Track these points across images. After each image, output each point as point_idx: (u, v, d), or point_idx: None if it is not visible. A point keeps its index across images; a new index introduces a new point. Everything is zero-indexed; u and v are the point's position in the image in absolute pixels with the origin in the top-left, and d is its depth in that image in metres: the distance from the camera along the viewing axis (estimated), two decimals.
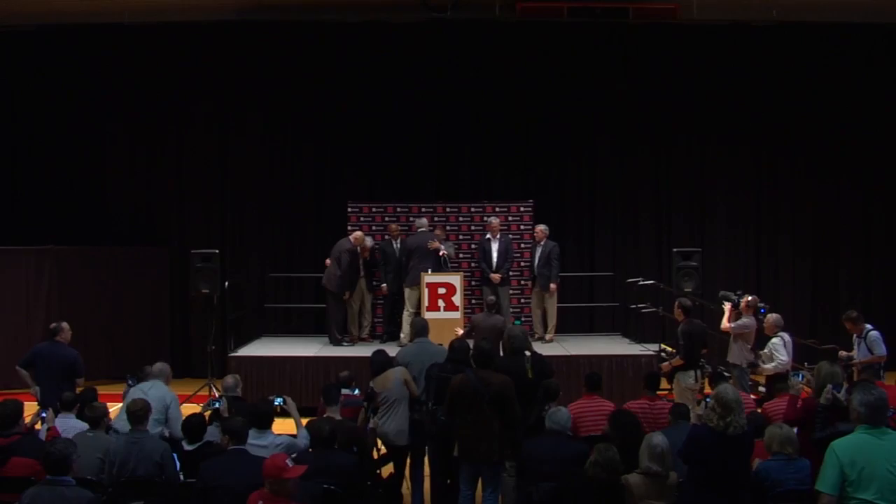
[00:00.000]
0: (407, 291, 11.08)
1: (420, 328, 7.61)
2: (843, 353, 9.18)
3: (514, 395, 6.17)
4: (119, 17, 12.66)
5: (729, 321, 9.47)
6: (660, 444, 5.20)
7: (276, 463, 4.72)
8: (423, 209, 12.40)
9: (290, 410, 6.64)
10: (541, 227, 11.67)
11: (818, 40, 13.32)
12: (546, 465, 5.75)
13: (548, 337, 11.53)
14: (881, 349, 8.65)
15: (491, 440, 6.10)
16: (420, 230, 11.26)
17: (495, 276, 11.46)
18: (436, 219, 12.35)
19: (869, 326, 8.86)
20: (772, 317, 9.17)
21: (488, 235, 11.66)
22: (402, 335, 11.02)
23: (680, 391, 8.73)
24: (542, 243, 11.57)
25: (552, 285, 11.44)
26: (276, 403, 6.66)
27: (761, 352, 9.15)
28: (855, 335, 9.04)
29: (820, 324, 12.96)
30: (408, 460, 7.08)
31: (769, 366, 8.91)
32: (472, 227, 12.34)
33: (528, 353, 7.07)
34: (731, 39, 13.34)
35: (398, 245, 11.60)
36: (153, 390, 6.94)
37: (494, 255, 11.53)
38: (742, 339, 9.42)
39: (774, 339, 8.94)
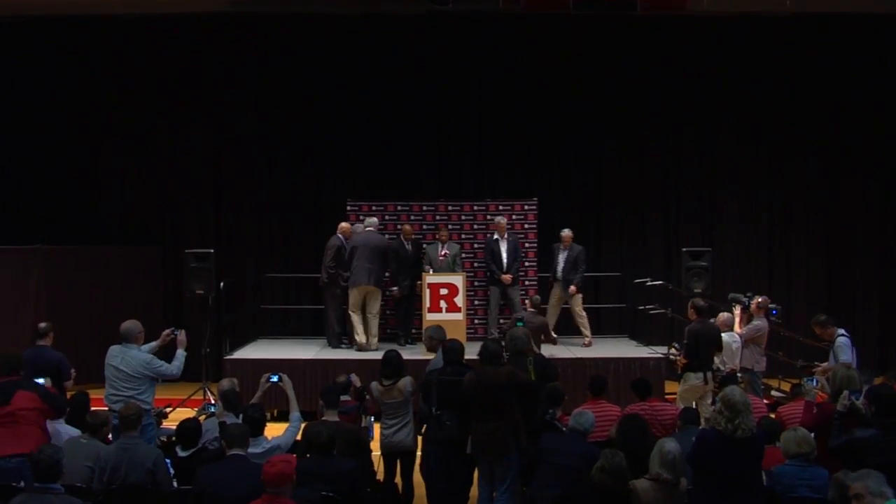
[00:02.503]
0: (351, 293, 10.97)
1: (440, 336, 7.63)
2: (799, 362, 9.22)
3: (525, 378, 6.49)
4: (110, 8, 12.63)
5: (740, 325, 9.46)
6: (672, 451, 5.20)
7: (271, 461, 4.90)
8: (425, 207, 12.39)
9: (285, 388, 6.75)
10: (567, 232, 11.49)
11: (833, 32, 13.24)
12: (559, 455, 5.90)
13: (586, 341, 11.43)
14: (845, 356, 8.38)
15: (506, 432, 6.30)
16: (367, 229, 11.16)
17: (507, 277, 11.39)
18: (437, 217, 12.33)
19: (840, 331, 8.64)
20: (723, 315, 9.30)
21: (496, 235, 11.60)
22: (374, 339, 10.97)
23: (682, 390, 8.79)
24: (568, 247, 11.45)
25: (572, 287, 11.32)
26: (273, 381, 6.78)
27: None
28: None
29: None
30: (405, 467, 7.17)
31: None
32: (475, 226, 12.31)
33: (530, 356, 7.15)
34: (743, 31, 13.28)
35: (410, 246, 11.59)
36: (124, 363, 7.02)
37: (504, 255, 11.48)
38: (754, 342, 9.43)
39: (723, 335, 9.08)
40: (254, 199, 13.58)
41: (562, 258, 11.46)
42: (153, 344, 7.47)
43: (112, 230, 13.24)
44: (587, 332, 11.50)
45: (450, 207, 12.43)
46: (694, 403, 8.51)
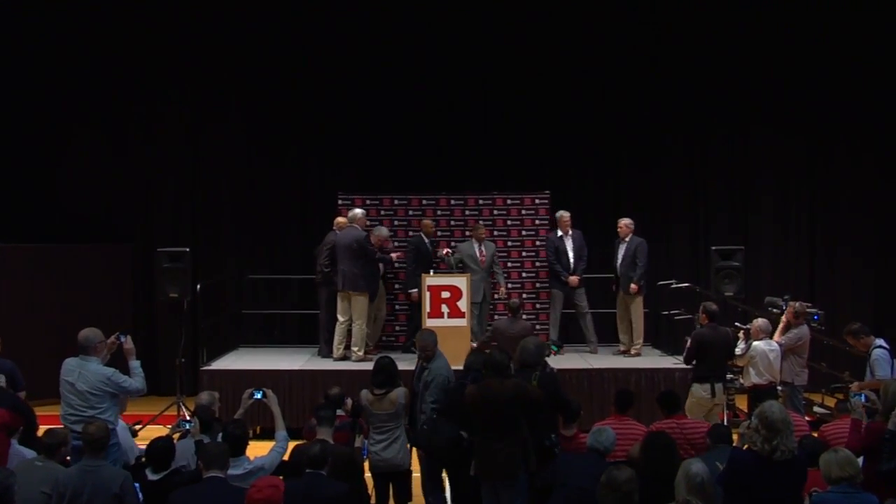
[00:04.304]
0: (338, 297, 10.99)
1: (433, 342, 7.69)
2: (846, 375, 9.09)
3: (535, 393, 6.46)
4: None
5: (780, 334, 9.41)
6: (700, 473, 5.11)
7: (256, 485, 4.95)
8: (424, 201, 12.33)
9: (270, 405, 6.77)
10: (625, 221, 11.40)
11: (880, 4, 13.13)
12: (575, 477, 5.86)
13: (633, 350, 11.38)
14: (883, 370, 8.27)
15: (513, 452, 6.28)
16: (351, 225, 11.14)
17: (573, 279, 11.40)
18: (439, 212, 12.29)
19: (878, 342, 8.54)
20: (758, 322, 9.29)
21: (559, 232, 11.54)
22: (355, 349, 10.92)
23: (690, 404, 8.77)
24: (626, 240, 11.35)
25: (632, 286, 11.21)
26: (256, 397, 6.80)
27: (746, 328, 9.36)
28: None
29: (885, 335, 12.73)
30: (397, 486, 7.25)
31: (737, 350, 9.18)
32: (481, 222, 12.22)
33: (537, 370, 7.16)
34: (779, 6, 13.22)
35: (430, 244, 11.58)
36: (82, 379, 6.90)
37: (570, 253, 11.45)
38: (794, 352, 9.36)
39: (758, 343, 9.10)
40: (234, 191, 13.54)
41: (620, 253, 11.38)
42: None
43: (75, 226, 13.11)
44: (636, 336, 11.42)
45: (452, 201, 12.37)
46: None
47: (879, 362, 8.35)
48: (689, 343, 9.04)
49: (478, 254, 11.38)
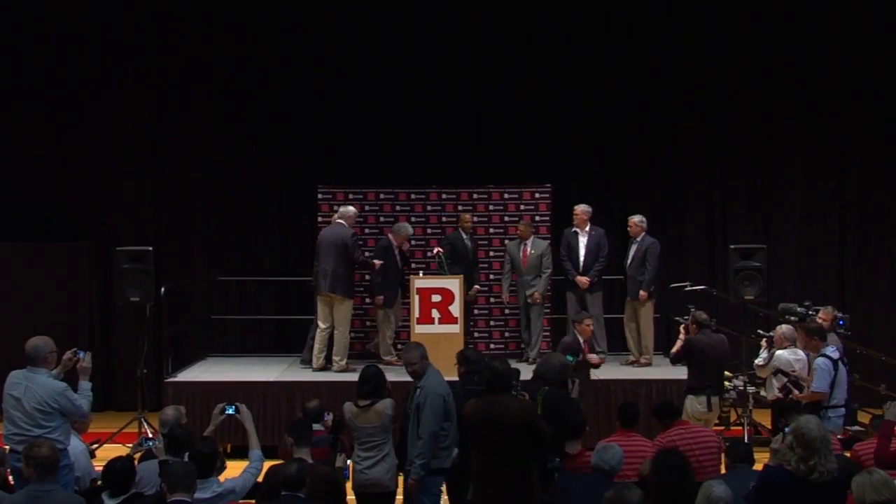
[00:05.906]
0: (318, 301, 11.01)
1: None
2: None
3: (538, 419, 6.43)
4: None
5: (801, 342, 9.40)
6: (723, 497, 5.12)
7: None
8: (413, 195, 12.36)
9: (243, 421, 6.80)
10: (636, 219, 11.45)
11: None
12: (580, 499, 5.86)
13: (643, 360, 11.43)
14: (818, 383, 8.32)
15: (518, 480, 6.22)
16: (337, 221, 11.10)
17: (582, 280, 11.42)
18: (429, 207, 12.33)
19: (826, 350, 8.51)
20: (781, 328, 9.34)
21: (575, 228, 11.60)
22: (336, 358, 10.90)
23: (687, 419, 8.75)
24: (637, 239, 11.39)
25: (641, 292, 11.27)
26: (228, 412, 6.83)
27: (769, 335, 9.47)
28: None
29: None
30: None
31: (759, 360, 9.47)
32: (476, 219, 12.24)
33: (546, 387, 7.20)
34: None
35: (469, 241, 11.57)
36: (29, 393, 6.82)
37: (582, 251, 11.48)
38: None
39: (781, 352, 9.15)
40: (202, 184, 13.50)
41: (630, 254, 11.46)
42: (53, 371, 7.20)
43: (23, 222, 13.07)
44: (647, 352, 11.45)
45: (444, 195, 12.41)
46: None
47: (818, 373, 8.38)
48: (679, 344, 9.16)
49: (520, 254, 11.41)
